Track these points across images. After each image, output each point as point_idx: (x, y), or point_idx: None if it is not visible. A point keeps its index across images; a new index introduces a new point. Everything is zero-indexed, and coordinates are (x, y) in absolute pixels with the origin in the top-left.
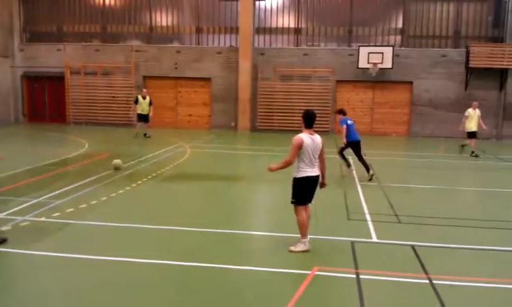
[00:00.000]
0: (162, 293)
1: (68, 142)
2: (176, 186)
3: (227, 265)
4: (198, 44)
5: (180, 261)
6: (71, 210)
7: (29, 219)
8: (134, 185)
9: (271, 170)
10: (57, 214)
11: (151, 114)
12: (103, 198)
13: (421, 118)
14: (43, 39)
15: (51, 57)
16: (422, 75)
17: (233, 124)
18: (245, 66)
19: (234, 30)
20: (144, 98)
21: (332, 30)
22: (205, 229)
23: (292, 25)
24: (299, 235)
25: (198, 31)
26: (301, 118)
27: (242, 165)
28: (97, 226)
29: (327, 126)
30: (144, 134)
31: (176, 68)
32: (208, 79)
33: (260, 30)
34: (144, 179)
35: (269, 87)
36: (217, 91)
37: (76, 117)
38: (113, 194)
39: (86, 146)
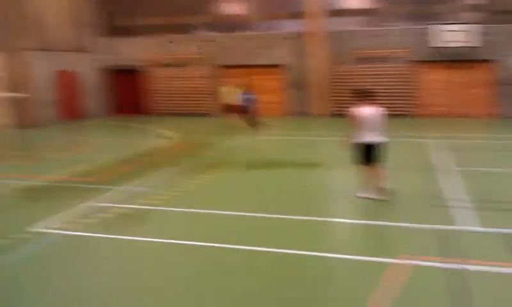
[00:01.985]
0: (250, 279)
1: (152, 132)
2: (258, 173)
3: (311, 251)
4: (268, 30)
5: (265, 247)
6: (161, 197)
7: (123, 206)
8: (218, 173)
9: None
10: (148, 201)
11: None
12: (189, 186)
13: (509, 98)
14: (123, 33)
15: (132, 51)
16: (506, 52)
17: (307, 110)
18: (316, 50)
19: (305, 14)
20: (230, 88)
21: (407, 8)
22: (287, 216)
23: (365, 6)
24: (379, 222)
25: (268, 17)
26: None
27: (319, 151)
28: (187, 212)
29: (407, 108)
30: (230, 123)
31: (249, 55)
32: (280, 66)
33: (332, 12)
34: (221, 168)
35: (343, 71)
36: (290, 77)
37: (159, 108)
38: (200, 182)
39: (170, 135)
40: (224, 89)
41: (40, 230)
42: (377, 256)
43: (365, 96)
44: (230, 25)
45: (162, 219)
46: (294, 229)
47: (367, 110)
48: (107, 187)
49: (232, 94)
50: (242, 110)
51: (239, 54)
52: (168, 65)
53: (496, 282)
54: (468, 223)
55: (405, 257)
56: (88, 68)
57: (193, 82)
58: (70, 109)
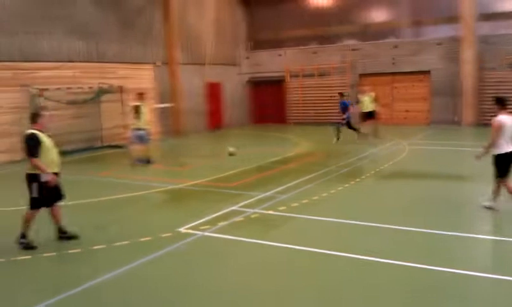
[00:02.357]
0: (390, 295)
1: (288, 141)
2: (395, 184)
3: (447, 268)
4: (416, 37)
5: (405, 261)
6: (295, 204)
7: (259, 211)
8: (352, 182)
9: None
10: (282, 208)
11: (377, 110)
12: (323, 194)
13: None
14: (266, 46)
15: (273, 63)
16: None
17: (456, 119)
18: (468, 55)
19: (455, 19)
20: (367, 96)
21: None
22: (428, 230)
23: None
24: None
25: (416, 23)
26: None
27: (466, 163)
28: (319, 220)
29: None
30: (362, 133)
31: (393, 63)
32: (427, 72)
33: (484, 16)
34: (363, 177)
35: (496, 78)
36: (437, 84)
37: (295, 118)
38: (333, 191)
39: (306, 144)
40: (363, 98)
41: (185, 231)
42: None
43: (503, 104)
44: (376, 33)
45: (295, 226)
46: (434, 244)
47: (506, 119)
48: (245, 192)
49: (369, 103)
50: (370, 119)
51: (383, 62)
52: (309, 75)
53: None
54: None
55: None
56: (234, 80)
57: (333, 91)
58: (215, 118)
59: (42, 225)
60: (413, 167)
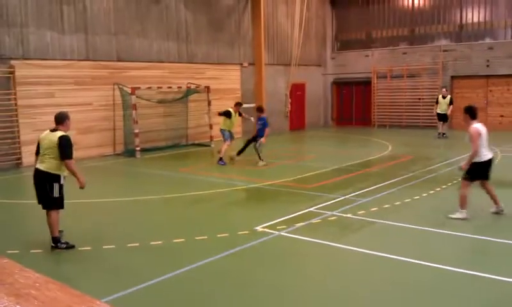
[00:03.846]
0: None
1: (372, 144)
2: (480, 193)
3: None
4: None
5: (487, 273)
6: (375, 209)
7: (337, 214)
8: (438, 188)
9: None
10: (361, 212)
11: (449, 113)
12: (406, 200)
13: None
14: (352, 46)
15: (359, 63)
16: None
17: None
18: None
19: None
20: (444, 97)
21: None
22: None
23: None
24: None
25: None
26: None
27: None
28: (399, 226)
29: None
30: (443, 134)
31: (488, 65)
32: None
33: None
34: (449, 183)
35: None
36: None
37: (380, 120)
38: (417, 197)
39: (390, 148)
40: (440, 100)
41: (261, 229)
42: None
43: (474, 114)
44: (471, 33)
45: (373, 231)
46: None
47: (481, 127)
48: (324, 194)
49: (444, 105)
50: (443, 120)
51: (477, 64)
52: (397, 76)
53: None
54: None
55: None
56: (318, 81)
57: (422, 93)
58: (298, 119)
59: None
60: (503, 176)
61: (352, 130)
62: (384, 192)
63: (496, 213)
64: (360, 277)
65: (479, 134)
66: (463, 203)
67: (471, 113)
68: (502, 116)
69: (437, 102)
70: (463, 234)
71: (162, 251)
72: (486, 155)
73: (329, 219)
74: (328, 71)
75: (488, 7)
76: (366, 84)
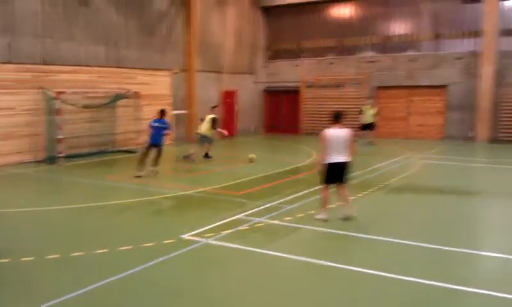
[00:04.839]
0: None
1: (300, 151)
2: (402, 198)
3: (453, 285)
4: (435, 50)
5: (411, 276)
6: (301, 215)
7: (264, 220)
8: (360, 195)
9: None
10: (288, 218)
11: (375, 123)
12: (331, 206)
13: None
14: (283, 56)
15: (289, 73)
16: None
17: (470, 134)
18: (487, 71)
19: (476, 33)
20: (370, 108)
21: None
22: (435, 246)
23: None
24: None
25: (436, 36)
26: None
27: (477, 179)
28: (324, 232)
29: None
30: (370, 142)
31: (411, 76)
32: (444, 87)
33: (506, 32)
34: (371, 189)
35: None
36: (454, 99)
37: (309, 128)
38: (341, 202)
39: (315, 155)
40: (367, 110)
41: (188, 237)
42: None
43: (336, 119)
44: (395, 45)
45: (299, 237)
46: (443, 261)
47: (332, 132)
48: (252, 201)
49: (370, 115)
50: (369, 130)
51: (400, 75)
52: (325, 86)
53: None
54: None
55: None
56: (249, 88)
57: (348, 102)
58: (229, 126)
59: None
60: (421, 182)
61: (281, 137)
62: (311, 199)
63: (346, 218)
64: (286, 282)
65: (325, 138)
66: (322, 204)
67: (333, 118)
68: (421, 125)
69: (362, 113)
70: (384, 238)
71: (84, 262)
72: (333, 158)
73: (257, 225)
74: (260, 80)
75: (411, 21)
76: (295, 92)
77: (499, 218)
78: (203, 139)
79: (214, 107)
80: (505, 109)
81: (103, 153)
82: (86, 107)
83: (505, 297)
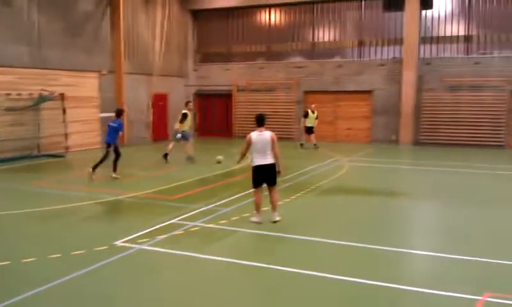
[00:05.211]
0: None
1: (233, 155)
2: (332, 200)
3: (380, 282)
4: (360, 57)
5: (340, 275)
6: (236, 218)
7: (199, 224)
8: (293, 197)
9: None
10: (223, 221)
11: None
12: (265, 208)
13: None
14: (214, 59)
15: (220, 76)
16: None
17: (394, 137)
18: (409, 77)
19: (398, 41)
20: (313, 112)
21: (507, 36)
22: (359, 244)
23: (461, 33)
24: (464, 257)
25: (360, 43)
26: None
27: (402, 180)
28: (258, 234)
29: (500, 139)
30: (314, 144)
31: (337, 82)
32: (369, 92)
33: (426, 39)
34: (303, 191)
35: (434, 99)
36: (379, 104)
37: (241, 131)
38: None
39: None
40: (310, 114)
41: (121, 244)
42: (461, 293)
43: (259, 122)
44: (322, 52)
45: (234, 240)
46: (369, 259)
47: (255, 135)
48: (186, 205)
49: (313, 119)
50: (310, 134)
51: (327, 81)
52: (256, 90)
53: None
54: None
55: (490, 295)
56: (180, 92)
57: (279, 106)
58: (160, 129)
59: None
60: (350, 183)
61: (214, 140)
62: (245, 201)
63: (274, 222)
64: (221, 285)
65: (250, 141)
66: (255, 208)
67: (256, 121)
68: (349, 128)
69: (306, 116)
70: (316, 239)
71: (10, 272)
72: (258, 161)
73: (192, 229)
74: (191, 83)
75: (337, 28)
76: (227, 96)
77: (423, 218)
78: (179, 136)
79: (187, 102)
80: (425, 113)
81: (28, 157)
82: (8, 109)
83: (432, 293)
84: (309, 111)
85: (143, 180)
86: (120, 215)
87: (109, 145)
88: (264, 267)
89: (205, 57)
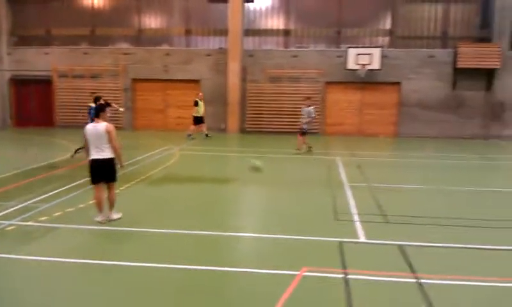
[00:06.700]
0: (158, 297)
1: (55, 145)
2: (164, 189)
3: (214, 266)
4: (188, 46)
5: (167, 264)
6: (58, 213)
7: (16, 223)
8: (122, 188)
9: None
10: (44, 218)
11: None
12: (91, 202)
13: (409, 118)
14: (31, 42)
15: (39, 61)
16: (410, 75)
17: (223, 126)
18: (234, 68)
19: (223, 32)
20: (201, 100)
21: (321, 31)
22: (192, 232)
23: (281, 27)
24: (285, 236)
25: (188, 33)
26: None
27: (231, 167)
28: (86, 229)
29: (315, 127)
30: (206, 134)
31: (166, 70)
32: (197, 81)
33: (250, 32)
34: (133, 182)
35: (258, 89)
36: (207, 93)
37: (63, 120)
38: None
39: (73, 149)
40: (200, 103)
41: None
42: (280, 270)
43: (96, 113)
44: (150, 39)
45: (56, 237)
46: (198, 245)
47: (91, 127)
48: (0, 203)
49: (202, 108)
50: (200, 123)
51: (156, 69)
52: (79, 76)
53: (381, 289)
54: (356, 236)
55: (307, 269)
56: None
57: (105, 94)
58: None
59: None
60: (183, 172)
61: (34, 130)
62: (69, 195)
63: (113, 220)
64: (39, 285)
65: (84, 134)
66: (97, 206)
67: (95, 112)
68: (180, 117)
69: (196, 105)
70: (150, 230)
71: None
72: (93, 155)
73: (7, 229)
74: (5, 68)
75: (164, 15)
76: (47, 82)
77: (254, 202)
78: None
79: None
80: (251, 103)
81: None
82: None
83: (256, 272)
84: (198, 100)
85: None
86: None
87: None
88: (89, 263)
89: (22, 40)
